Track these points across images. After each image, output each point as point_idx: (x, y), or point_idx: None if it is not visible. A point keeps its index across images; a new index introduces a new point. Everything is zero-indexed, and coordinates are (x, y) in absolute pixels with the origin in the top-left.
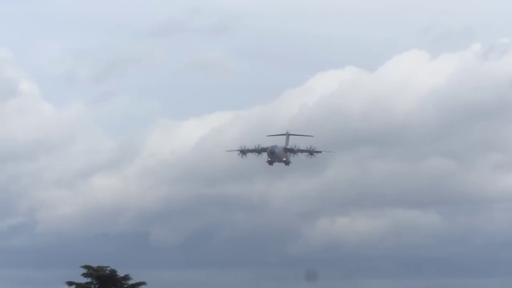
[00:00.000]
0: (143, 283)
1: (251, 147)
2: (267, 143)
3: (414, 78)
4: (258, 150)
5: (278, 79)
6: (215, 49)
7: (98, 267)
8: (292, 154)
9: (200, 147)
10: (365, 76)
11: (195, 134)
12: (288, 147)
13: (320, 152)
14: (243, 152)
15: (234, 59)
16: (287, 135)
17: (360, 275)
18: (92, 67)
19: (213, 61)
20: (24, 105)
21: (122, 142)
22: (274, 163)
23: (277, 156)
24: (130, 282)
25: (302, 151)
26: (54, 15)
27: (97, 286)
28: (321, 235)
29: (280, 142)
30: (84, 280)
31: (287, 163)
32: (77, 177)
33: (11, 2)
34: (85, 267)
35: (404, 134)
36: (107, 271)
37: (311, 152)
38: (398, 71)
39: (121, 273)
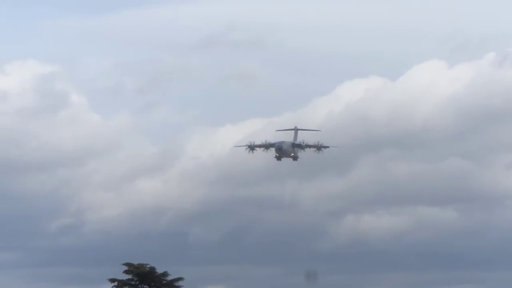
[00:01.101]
0: (180, 279)
1: (259, 142)
2: (275, 138)
3: (433, 86)
4: (266, 146)
5: (307, 88)
6: (250, 61)
7: (138, 264)
8: (299, 150)
9: (235, 151)
10: (388, 85)
11: (230, 139)
12: (296, 142)
13: (328, 147)
14: (251, 147)
15: (267, 70)
16: (295, 130)
17: (383, 269)
18: (137, 79)
19: (248, 72)
20: (74, 116)
21: (164, 147)
22: (282, 159)
23: (285, 151)
24: (169, 278)
25: (309, 146)
26: (103, 31)
27: (137, 283)
28: (348, 232)
29: (288, 137)
30: (125, 277)
31: (295, 158)
32: (122, 180)
33: (63, 20)
34: (126, 264)
35: (424, 137)
36: (147, 268)
37: (318, 147)
38: (418, 80)
39: (160, 270)
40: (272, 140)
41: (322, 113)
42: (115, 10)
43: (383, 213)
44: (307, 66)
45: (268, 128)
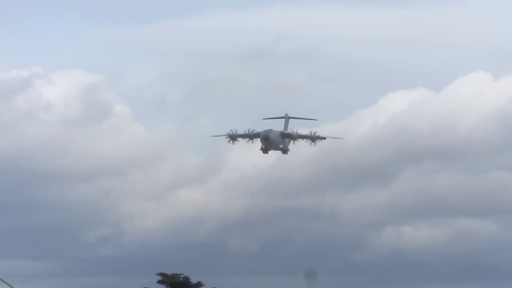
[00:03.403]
0: None
1: (242, 131)
2: (262, 127)
3: (478, 98)
4: (250, 136)
5: (351, 99)
6: (295, 72)
7: (172, 274)
8: (291, 141)
9: (278, 163)
10: (433, 96)
11: (274, 151)
12: (286, 132)
13: (324, 138)
14: (232, 137)
15: (312, 81)
16: (286, 118)
17: (422, 281)
18: (182, 89)
19: (293, 84)
20: (117, 126)
21: (207, 158)
22: (269, 151)
23: (272, 142)
24: None
25: (302, 137)
26: (148, 41)
27: None
28: (386, 243)
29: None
30: (159, 287)
31: (284, 151)
32: (164, 191)
33: (109, 30)
34: (160, 274)
35: (467, 150)
36: (181, 278)
37: (313, 138)
38: (463, 92)
39: (195, 280)
40: (258, 129)
41: (365, 124)
42: (160, 20)
43: (423, 225)
44: (352, 78)
45: None
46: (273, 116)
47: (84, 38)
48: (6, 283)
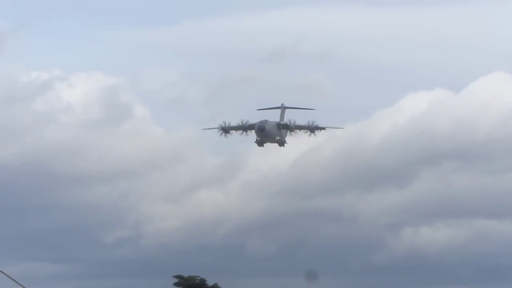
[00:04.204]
0: None
1: (236, 123)
2: (256, 118)
3: (497, 98)
4: (244, 127)
5: (371, 100)
6: (316, 73)
7: (189, 276)
8: (288, 132)
9: (297, 164)
10: (452, 97)
11: (293, 152)
12: (282, 122)
13: (324, 128)
14: (225, 130)
15: (333, 82)
16: (282, 108)
17: (441, 282)
18: (202, 91)
19: (313, 85)
20: (136, 128)
21: (226, 159)
22: (264, 144)
23: (268, 134)
24: None
25: (300, 127)
26: (168, 42)
27: None
28: (405, 244)
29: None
30: None
31: (281, 143)
32: (182, 193)
33: (129, 32)
34: (177, 277)
35: (486, 150)
36: (197, 280)
37: (311, 128)
38: (483, 92)
39: (212, 282)
40: (252, 120)
41: (385, 125)
42: (179, 22)
43: (441, 226)
44: (371, 78)
45: (330, 140)
46: (268, 107)
47: (104, 40)
48: (23, 286)
